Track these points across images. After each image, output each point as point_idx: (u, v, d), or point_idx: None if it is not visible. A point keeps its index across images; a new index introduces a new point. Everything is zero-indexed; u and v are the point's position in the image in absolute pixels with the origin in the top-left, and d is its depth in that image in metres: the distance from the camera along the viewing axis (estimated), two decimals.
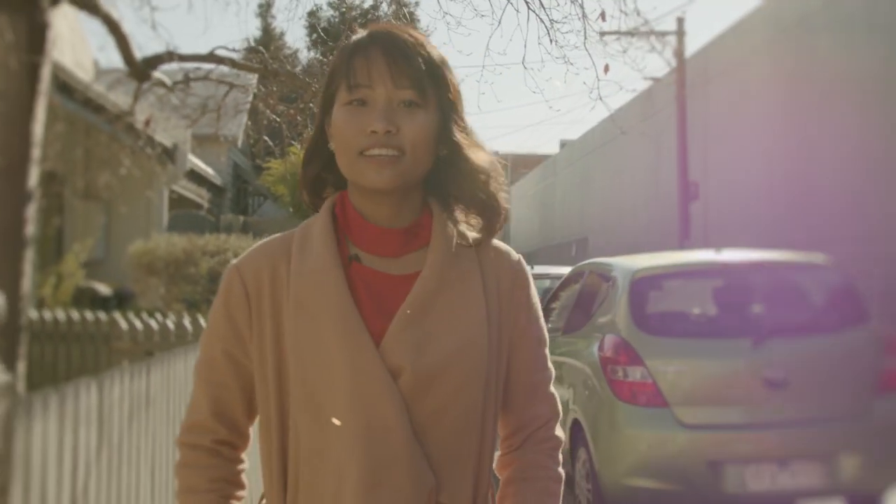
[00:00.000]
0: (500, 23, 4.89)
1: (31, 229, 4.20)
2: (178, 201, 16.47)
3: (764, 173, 17.98)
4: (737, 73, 19.76)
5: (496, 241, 1.63)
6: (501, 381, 1.58)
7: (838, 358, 5.38)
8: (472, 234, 1.57)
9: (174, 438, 1.58)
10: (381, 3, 5.93)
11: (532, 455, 1.62)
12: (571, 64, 5.18)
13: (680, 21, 23.31)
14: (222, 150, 12.82)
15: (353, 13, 6.02)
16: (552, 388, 1.67)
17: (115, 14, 4.93)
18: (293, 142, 8.69)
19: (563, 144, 38.54)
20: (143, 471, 2.62)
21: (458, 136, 1.54)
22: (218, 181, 19.79)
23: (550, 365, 1.66)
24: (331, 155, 1.55)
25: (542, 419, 1.63)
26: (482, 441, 1.53)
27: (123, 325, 6.81)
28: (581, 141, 33.51)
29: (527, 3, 5.19)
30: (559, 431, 1.66)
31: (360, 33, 1.56)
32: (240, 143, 20.13)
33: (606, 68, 6.57)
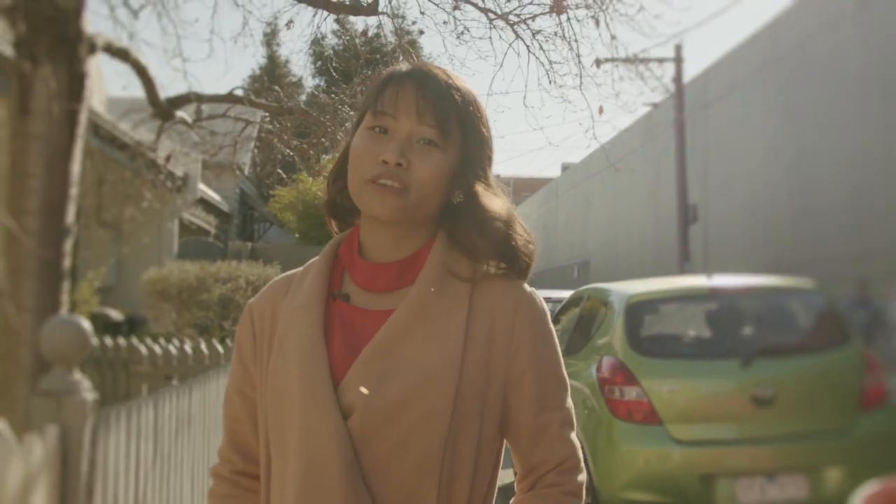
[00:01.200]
0: (501, 65, 5.21)
1: (67, 262, 4.54)
2: (186, 228, 16.81)
3: (762, 195, 18.22)
4: (735, 97, 20.08)
5: (512, 278, 1.55)
6: (490, 421, 1.50)
7: (823, 376, 5.68)
8: (481, 269, 1.53)
9: (209, 451, 1.65)
10: (384, 32, 6.14)
11: (536, 500, 1.53)
12: (569, 102, 5.50)
13: (678, 48, 23.68)
14: (230, 177, 13.18)
15: (357, 41, 6.28)
16: (568, 433, 1.56)
17: (143, 60, 5.29)
18: (301, 169, 9.04)
19: (565, 168, 38.83)
20: (185, 479, 2.94)
21: (476, 185, 1.52)
22: (225, 208, 20.14)
23: (569, 405, 1.57)
24: None
25: (550, 464, 1.54)
26: (451, 483, 1.46)
27: (143, 350, 7.12)
28: (582, 165, 33.81)
29: (527, 46, 5.54)
30: (574, 476, 1.54)
31: (401, 65, 1.56)
32: (247, 170, 20.44)
33: (601, 110, 6.93)
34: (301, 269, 1.59)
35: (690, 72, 24.99)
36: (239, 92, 6.16)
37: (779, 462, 5.40)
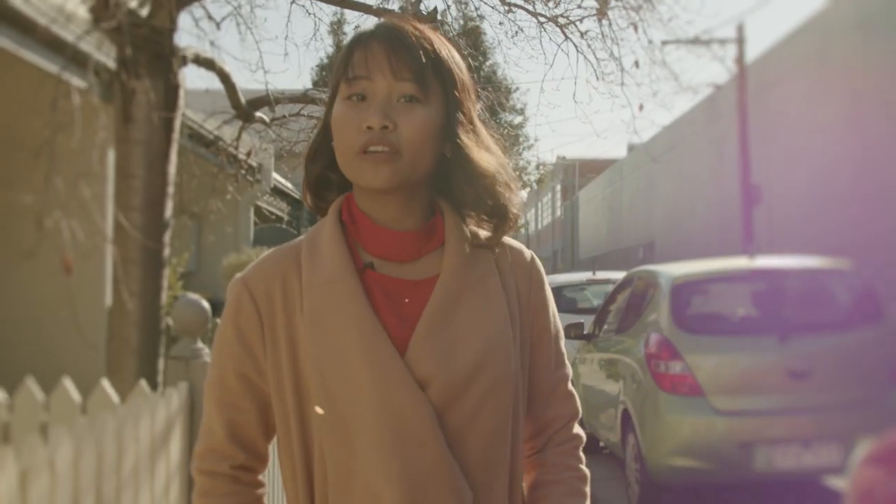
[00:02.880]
0: (552, 65, 5.66)
1: (167, 252, 5.15)
2: (260, 215, 17.54)
3: (827, 176, 18.16)
4: (798, 77, 19.93)
5: (508, 240, 1.57)
6: (526, 382, 1.52)
7: (856, 351, 6.05)
8: (484, 234, 1.51)
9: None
10: (449, 18, 6.34)
11: (556, 456, 1.56)
12: (616, 97, 5.94)
13: (740, 28, 23.67)
14: (295, 163, 13.76)
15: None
16: (570, 387, 1.62)
17: (227, 68, 5.87)
18: None
19: (631, 148, 38.66)
20: None
21: (463, 137, 1.46)
22: (296, 195, 20.85)
23: (567, 361, 1.61)
24: (334, 153, 1.46)
25: (563, 419, 1.58)
26: (514, 447, 1.47)
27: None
28: (647, 145, 33.77)
29: (576, 46, 5.98)
30: (578, 429, 1.61)
31: (366, 26, 1.49)
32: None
33: (641, 107, 7.33)
34: (300, 241, 1.50)
35: (753, 52, 24.83)
36: (313, 93, 6.71)
37: (814, 431, 5.80)
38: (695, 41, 24.59)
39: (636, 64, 5.67)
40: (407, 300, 1.44)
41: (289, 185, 19.42)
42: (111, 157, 6.34)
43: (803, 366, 5.85)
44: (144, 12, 5.05)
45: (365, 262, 1.45)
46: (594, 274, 12.87)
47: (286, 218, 19.33)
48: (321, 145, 1.50)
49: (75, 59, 5.19)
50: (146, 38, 4.89)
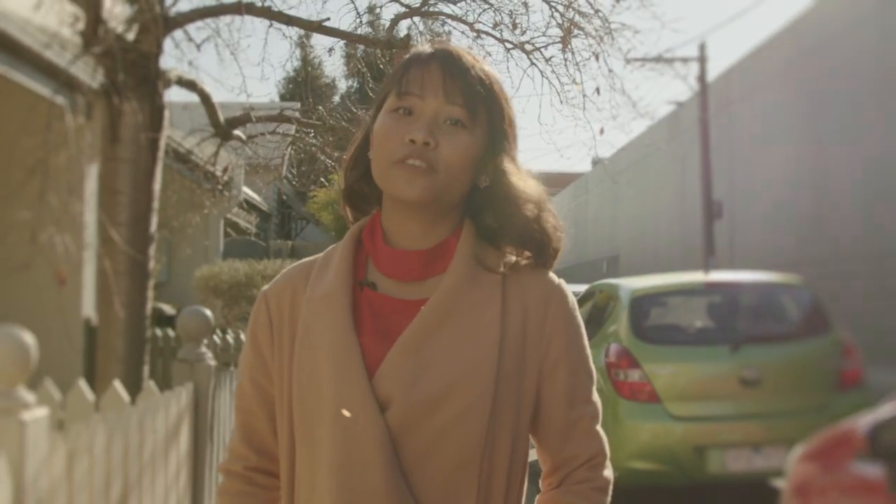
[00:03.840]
0: (517, 88, 5.99)
1: (151, 265, 5.40)
2: (230, 227, 17.73)
3: (786, 191, 18.47)
4: (759, 95, 20.40)
5: (539, 269, 1.52)
6: (523, 415, 1.46)
7: (804, 361, 6.41)
8: (509, 260, 1.49)
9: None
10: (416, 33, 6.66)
11: (568, 496, 1.50)
12: (579, 119, 6.28)
13: (702, 47, 24.22)
14: (269, 178, 14.08)
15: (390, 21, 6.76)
16: (597, 427, 1.55)
17: (207, 89, 6.15)
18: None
19: (595, 163, 39.17)
20: None
21: (506, 164, 1.48)
22: (265, 207, 21.03)
23: (596, 399, 1.54)
24: (370, 164, 1.48)
25: (580, 458, 1.51)
26: (489, 477, 1.42)
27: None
28: (612, 160, 34.16)
29: (541, 72, 6.31)
30: (603, 471, 1.54)
31: (423, 46, 1.52)
32: (284, 171, 21.23)
33: (602, 130, 7.70)
34: (320, 256, 1.54)
35: (714, 71, 25.32)
36: (289, 113, 7.00)
37: (764, 436, 6.13)
38: (658, 59, 25.15)
39: (597, 90, 6.00)
40: (396, 320, 1.43)
41: (257, 197, 19.64)
42: (92, 172, 6.59)
43: (754, 374, 6.19)
44: (130, 36, 5.32)
45: (363, 281, 1.47)
46: None
47: (254, 230, 19.54)
48: (360, 155, 1.53)
49: (61, 79, 5.44)
50: (133, 62, 5.15)
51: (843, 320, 9.36)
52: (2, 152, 4.82)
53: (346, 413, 1.36)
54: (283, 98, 26.99)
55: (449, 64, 1.44)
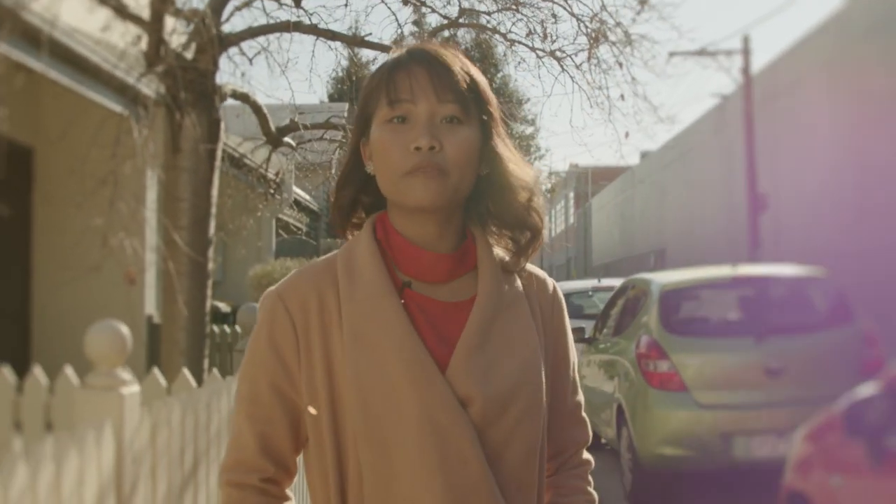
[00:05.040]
0: (550, 94, 6.36)
1: (210, 265, 5.87)
2: (281, 227, 18.29)
3: (832, 184, 18.41)
4: (803, 87, 20.36)
5: (532, 268, 1.59)
6: (548, 405, 1.53)
7: (827, 350, 6.69)
8: (509, 256, 1.55)
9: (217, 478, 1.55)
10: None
11: (570, 479, 1.62)
12: (608, 123, 6.64)
13: (745, 39, 24.24)
14: (318, 181, 14.56)
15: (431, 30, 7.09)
16: (583, 413, 1.67)
17: (259, 101, 6.61)
18: None
19: (644, 156, 39.14)
20: None
21: (502, 150, 1.50)
22: (314, 207, 21.58)
23: (580, 389, 1.67)
24: (367, 178, 1.50)
25: (576, 444, 1.64)
26: (542, 467, 1.51)
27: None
28: (659, 153, 34.11)
29: (572, 77, 6.67)
30: (588, 455, 1.67)
31: (398, 51, 1.51)
32: (333, 170, 21.67)
33: (627, 135, 8.03)
34: (332, 257, 1.52)
35: (758, 63, 25.24)
36: (335, 120, 7.43)
37: (788, 422, 6.39)
38: (701, 52, 25.23)
39: (622, 97, 6.35)
40: (443, 320, 1.46)
41: (307, 197, 20.19)
42: (153, 180, 7.09)
43: (778, 364, 6.49)
44: (188, 54, 5.78)
45: (403, 281, 1.47)
46: (599, 282, 13.60)
47: (305, 230, 20.08)
48: (350, 172, 1.53)
49: (129, 95, 5.93)
50: (192, 80, 5.61)
51: (887, 311, 9.55)
52: (76, 164, 5.31)
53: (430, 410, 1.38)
54: (331, 98, 27.50)
55: (432, 63, 1.45)
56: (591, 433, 1.67)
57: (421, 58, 1.46)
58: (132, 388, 2.27)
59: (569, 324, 1.63)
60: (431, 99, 1.42)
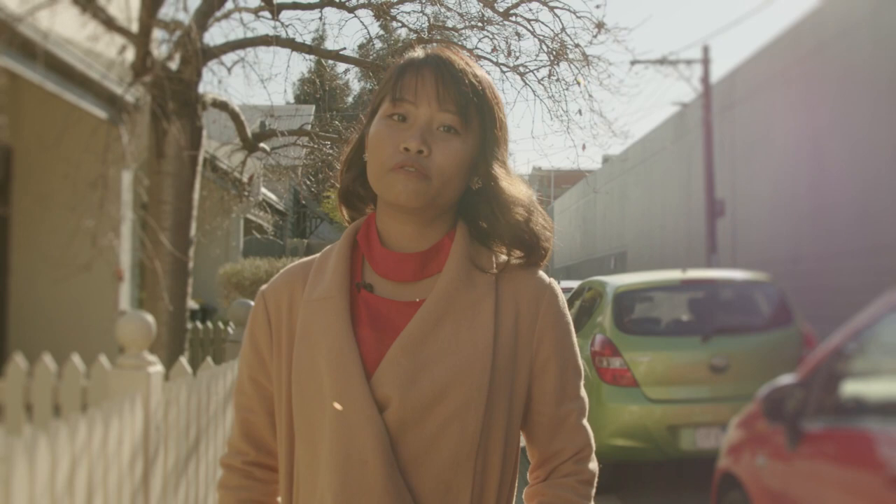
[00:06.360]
0: (512, 106, 6.77)
1: (191, 264, 6.22)
2: (254, 227, 18.58)
3: (787, 190, 18.79)
4: (761, 97, 20.79)
5: (530, 269, 1.55)
6: (515, 411, 1.49)
7: (768, 350, 7.16)
8: (501, 260, 1.53)
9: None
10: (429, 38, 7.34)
11: (555, 489, 1.54)
12: (569, 134, 7.06)
13: (705, 49, 24.83)
14: (288, 183, 14.94)
15: (400, 46, 7.42)
16: (583, 421, 1.57)
17: (236, 108, 6.96)
18: None
19: (606, 160, 39.69)
20: None
21: (497, 169, 1.50)
22: (281, 206, 21.84)
23: (583, 394, 1.57)
24: (364, 166, 1.53)
25: (567, 452, 1.54)
26: (483, 474, 1.46)
27: (231, 330, 8.84)
28: (620, 158, 34.60)
29: (533, 91, 7.09)
30: (588, 464, 1.56)
31: (417, 51, 1.53)
32: (300, 171, 21.94)
33: (584, 147, 8.49)
34: (317, 256, 1.57)
35: (718, 73, 25.85)
36: (307, 128, 7.80)
37: (731, 416, 6.84)
38: (662, 61, 25.79)
39: (580, 112, 6.79)
40: (393, 322, 1.47)
41: (274, 197, 20.48)
42: (127, 180, 7.42)
43: (723, 362, 6.95)
44: (172, 65, 6.13)
45: (360, 282, 1.50)
46: (559, 283, 14.03)
47: (271, 229, 20.36)
48: (355, 157, 1.57)
49: (104, 96, 6.26)
50: (176, 90, 5.96)
51: (841, 313, 10.04)
52: (57, 164, 5.63)
53: (338, 406, 1.40)
54: (297, 100, 27.74)
55: (442, 71, 1.47)
56: (587, 441, 1.57)
57: (434, 63, 1.48)
58: (157, 368, 2.65)
59: (563, 326, 1.55)
60: (433, 104, 1.45)
